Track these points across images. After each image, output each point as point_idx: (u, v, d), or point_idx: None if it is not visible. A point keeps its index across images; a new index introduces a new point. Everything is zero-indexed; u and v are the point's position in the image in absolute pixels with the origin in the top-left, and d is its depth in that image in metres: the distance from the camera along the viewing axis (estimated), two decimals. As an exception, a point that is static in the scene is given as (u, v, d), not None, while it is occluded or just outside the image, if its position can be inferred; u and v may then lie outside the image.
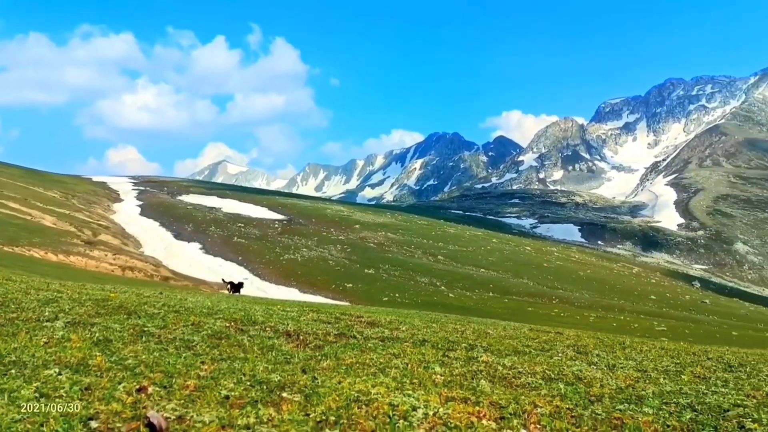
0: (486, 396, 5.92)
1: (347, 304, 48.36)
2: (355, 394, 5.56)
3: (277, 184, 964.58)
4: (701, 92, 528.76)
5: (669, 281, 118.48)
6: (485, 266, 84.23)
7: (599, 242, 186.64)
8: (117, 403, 4.84)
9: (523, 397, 6.01)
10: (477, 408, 5.44)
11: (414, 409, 5.22)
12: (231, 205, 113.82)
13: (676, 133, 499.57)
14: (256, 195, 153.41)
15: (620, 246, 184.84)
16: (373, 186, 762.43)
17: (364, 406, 5.23)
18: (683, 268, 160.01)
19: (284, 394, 5.51)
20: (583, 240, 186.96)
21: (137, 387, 5.39)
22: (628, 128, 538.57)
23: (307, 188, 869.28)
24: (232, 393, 5.41)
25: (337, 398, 5.39)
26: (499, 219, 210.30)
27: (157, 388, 5.39)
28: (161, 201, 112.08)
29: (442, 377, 6.77)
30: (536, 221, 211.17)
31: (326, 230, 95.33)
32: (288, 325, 10.13)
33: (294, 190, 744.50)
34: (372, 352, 8.14)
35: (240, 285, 40.93)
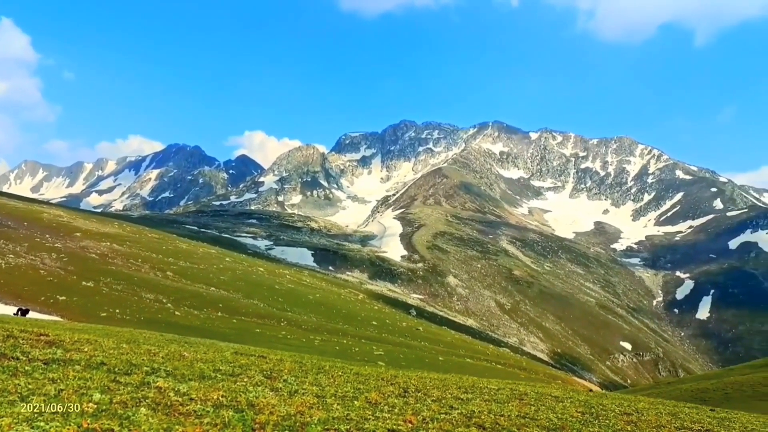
0: (135, 426, 5.38)
1: (58, 318, 44.06)
2: (-37, 430, 4.67)
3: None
4: (429, 136, 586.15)
5: (389, 308, 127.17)
6: (216, 285, 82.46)
7: (330, 268, 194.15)
8: None
9: (178, 426, 5.58)
10: (116, 441, 4.88)
11: (34, 444, 4.51)
12: None
13: (406, 171, 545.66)
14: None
15: (349, 273, 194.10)
16: (101, 192, 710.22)
17: (-31, 444, 4.39)
18: (403, 297, 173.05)
19: None
20: (315, 265, 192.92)
21: None
22: (365, 162, 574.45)
23: (22, 188, 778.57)
24: None
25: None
26: (235, 238, 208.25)
27: None
28: None
29: (96, 405, 6.06)
30: (272, 243, 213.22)
31: (40, 236, 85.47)
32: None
33: (5, 189, 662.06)
34: (26, 377, 7.09)
35: (27, 311, 41.56)
